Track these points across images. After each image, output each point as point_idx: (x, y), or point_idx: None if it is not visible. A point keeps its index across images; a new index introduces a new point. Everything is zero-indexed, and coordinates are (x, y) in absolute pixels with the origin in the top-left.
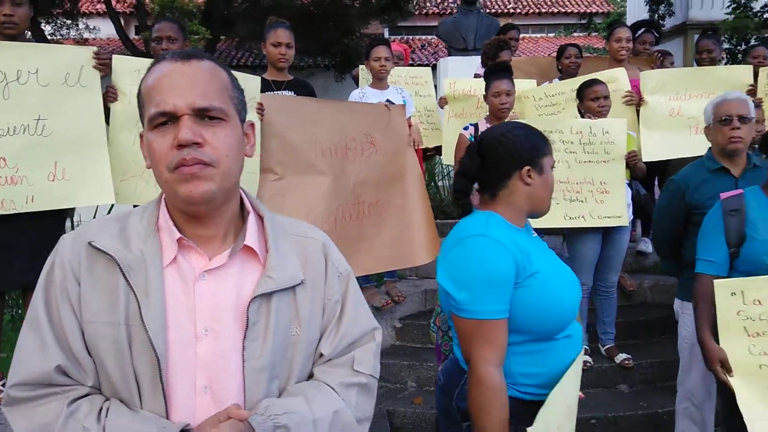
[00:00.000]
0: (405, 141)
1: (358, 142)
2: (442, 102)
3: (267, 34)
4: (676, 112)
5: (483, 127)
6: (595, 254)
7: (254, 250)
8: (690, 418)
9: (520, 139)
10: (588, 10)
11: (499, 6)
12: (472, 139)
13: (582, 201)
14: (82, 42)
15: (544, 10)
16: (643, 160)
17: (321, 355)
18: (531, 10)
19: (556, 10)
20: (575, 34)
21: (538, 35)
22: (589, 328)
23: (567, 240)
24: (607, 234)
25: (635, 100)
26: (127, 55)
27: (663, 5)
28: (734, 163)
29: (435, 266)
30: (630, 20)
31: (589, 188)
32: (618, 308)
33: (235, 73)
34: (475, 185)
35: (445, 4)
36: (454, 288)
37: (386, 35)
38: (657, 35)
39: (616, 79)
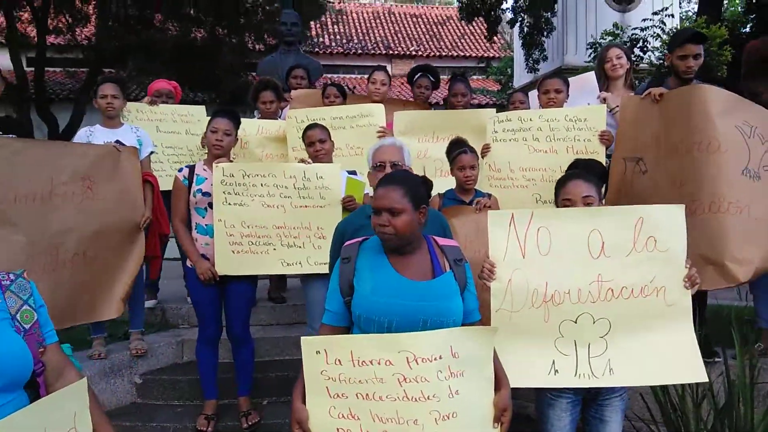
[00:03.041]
0: (134, 185)
1: (70, 187)
2: (203, 141)
3: None
4: (423, 154)
5: (199, 168)
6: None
7: None
8: None
9: None
10: (486, 54)
11: (402, 49)
12: (186, 182)
13: (300, 246)
14: None
15: (444, 54)
16: None
17: None
18: (432, 54)
19: (455, 54)
20: (474, 77)
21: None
22: None
23: (302, 285)
24: None
25: (388, 135)
26: None
27: (537, 50)
28: None
29: None
30: (516, 64)
31: (306, 233)
32: None
33: None
34: None
35: (333, 45)
36: None
37: None
38: (433, 79)
39: (373, 114)
